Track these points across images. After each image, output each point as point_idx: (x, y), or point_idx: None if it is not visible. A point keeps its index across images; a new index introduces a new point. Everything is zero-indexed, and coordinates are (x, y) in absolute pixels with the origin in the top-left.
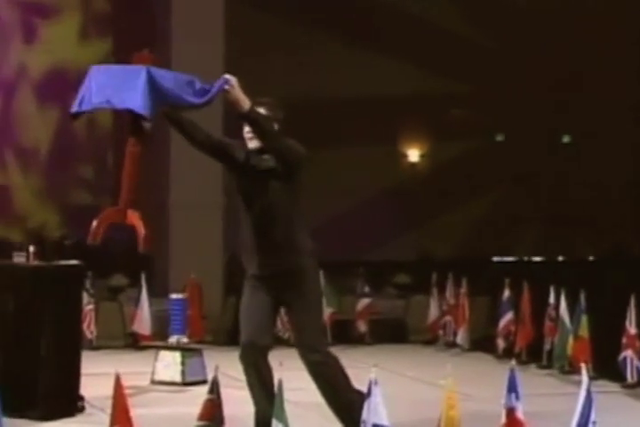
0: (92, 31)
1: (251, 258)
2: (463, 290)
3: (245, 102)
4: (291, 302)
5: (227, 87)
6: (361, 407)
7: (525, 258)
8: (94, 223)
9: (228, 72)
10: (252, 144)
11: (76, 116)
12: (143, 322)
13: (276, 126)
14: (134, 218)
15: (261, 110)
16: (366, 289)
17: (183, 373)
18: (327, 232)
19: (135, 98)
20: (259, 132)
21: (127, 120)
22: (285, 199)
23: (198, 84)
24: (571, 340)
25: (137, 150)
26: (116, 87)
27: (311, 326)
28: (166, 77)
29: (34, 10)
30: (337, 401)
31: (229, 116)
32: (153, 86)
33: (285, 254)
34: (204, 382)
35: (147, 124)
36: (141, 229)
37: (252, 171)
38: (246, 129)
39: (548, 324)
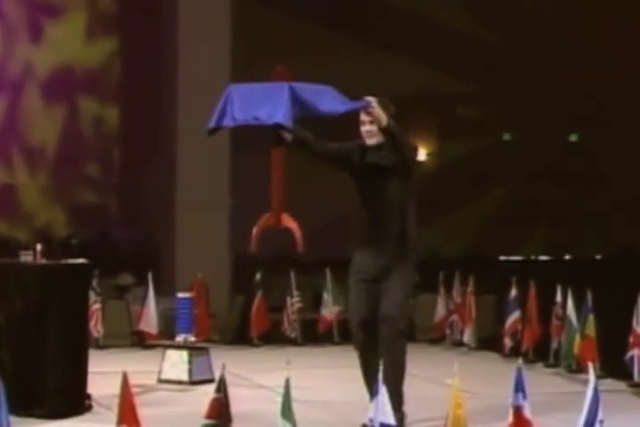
0: (98, 30)
1: (364, 251)
2: (470, 289)
3: (384, 119)
4: (387, 284)
5: (369, 110)
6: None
7: (532, 257)
8: (254, 231)
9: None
10: (372, 141)
11: (214, 131)
12: (150, 321)
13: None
14: (289, 221)
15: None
16: None
17: (190, 371)
18: (334, 231)
19: (280, 113)
20: (394, 143)
21: (271, 133)
22: (403, 193)
23: (334, 93)
24: (577, 339)
25: (281, 159)
26: (260, 105)
27: (399, 303)
28: (305, 90)
29: (40, 9)
30: (390, 372)
31: None
32: (295, 101)
33: (397, 246)
34: (210, 380)
35: (288, 136)
36: (298, 232)
37: (373, 168)
38: (366, 128)
39: (554, 323)
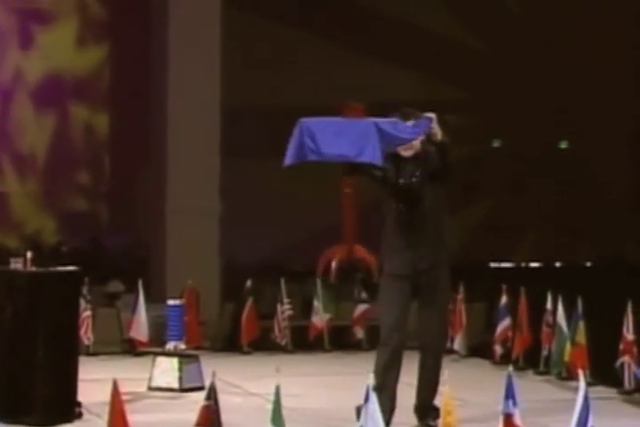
0: (88, 37)
1: (401, 256)
2: (460, 296)
3: (440, 134)
4: (427, 299)
5: (433, 125)
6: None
7: (523, 264)
8: (333, 264)
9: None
10: (408, 153)
11: (291, 165)
12: (140, 328)
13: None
14: (363, 252)
15: (410, 121)
16: (363, 295)
17: (180, 379)
18: (325, 239)
19: (370, 151)
20: (444, 152)
21: (344, 166)
22: (438, 201)
23: (402, 124)
24: (568, 346)
25: (352, 192)
26: (344, 141)
27: (442, 331)
28: (384, 125)
29: (30, 16)
30: (429, 382)
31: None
32: (381, 137)
33: (435, 251)
34: (201, 388)
35: (379, 173)
36: (372, 262)
37: (410, 177)
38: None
39: (545, 330)
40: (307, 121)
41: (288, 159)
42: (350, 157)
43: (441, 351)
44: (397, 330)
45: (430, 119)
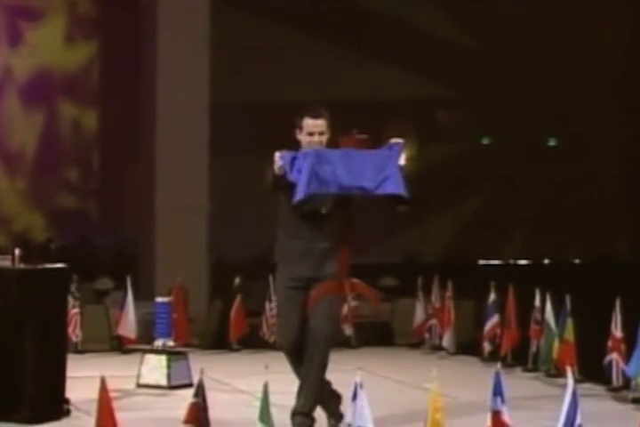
0: (77, 34)
1: (298, 262)
2: (449, 293)
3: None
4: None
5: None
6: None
7: (511, 261)
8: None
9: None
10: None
11: (302, 201)
12: (128, 325)
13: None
14: (360, 287)
15: (324, 119)
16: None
17: (169, 376)
18: None
19: (394, 183)
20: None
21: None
22: (339, 211)
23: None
24: (556, 343)
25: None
26: (365, 173)
27: (331, 313)
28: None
29: (19, 13)
30: (314, 381)
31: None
32: (400, 167)
33: (330, 260)
34: (189, 385)
35: (402, 208)
36: (371, 295)
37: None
38: (315, 139)
39: (533, 327)
40: (311, 153)
41: (303, 191)
42: (370, 189)
43: (326, 347)
44: (287, 336)
45: (399, 144)
